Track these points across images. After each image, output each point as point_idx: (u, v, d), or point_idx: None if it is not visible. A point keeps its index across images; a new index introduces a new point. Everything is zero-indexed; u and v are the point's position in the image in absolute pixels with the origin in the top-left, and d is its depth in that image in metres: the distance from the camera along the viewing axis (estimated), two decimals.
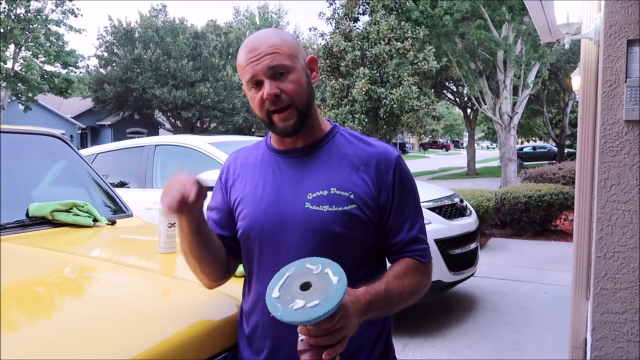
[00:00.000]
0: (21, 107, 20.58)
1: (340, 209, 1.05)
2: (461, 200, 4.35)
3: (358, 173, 1.08)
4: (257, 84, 1.07)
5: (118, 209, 2.56)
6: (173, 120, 26.23)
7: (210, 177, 3.89)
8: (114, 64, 24.54)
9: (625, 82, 1.81)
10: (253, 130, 27.79)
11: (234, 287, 1.41)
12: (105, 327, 1.13)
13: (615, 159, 1.85)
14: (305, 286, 0.88)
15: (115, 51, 24.47)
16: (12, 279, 1.49)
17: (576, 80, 9.48)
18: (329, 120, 1.20)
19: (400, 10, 11.98)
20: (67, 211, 2.18)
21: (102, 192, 2.61)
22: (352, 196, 1.06)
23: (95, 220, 2.25)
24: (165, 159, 4.50)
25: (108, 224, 2.29)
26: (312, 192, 1.07)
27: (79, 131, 28.59)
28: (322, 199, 1.06)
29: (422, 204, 1.19)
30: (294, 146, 1.13)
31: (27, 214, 2.09)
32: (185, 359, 1.10)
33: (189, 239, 1.09)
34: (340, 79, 11.28)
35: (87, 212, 2.25)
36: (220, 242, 1.18)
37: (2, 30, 17.86)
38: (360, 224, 1.06)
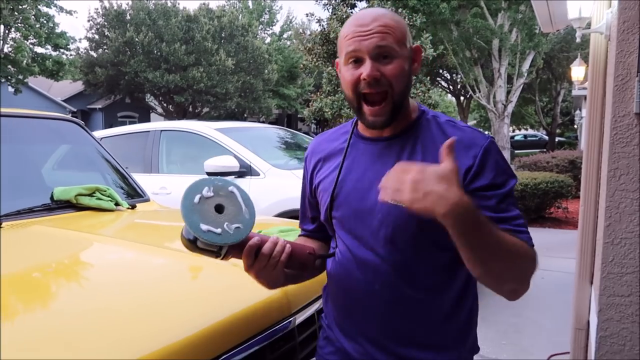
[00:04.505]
0: (11, 89, 20.31)
1: None
2: None
3: (440, 159, 1.03)
4: (357, 60, 1.00)
5: (136, 194, 2.61)
6: (165, 105, 26.00)
7: (217, 162, 3.93)
8: (105, 47, 24.19)
9: (637, 76, 1.88)
10: (245, 115, 27.67)
11: None
12: (156, 306, 1.20)
13: (625, 150, 1.93)
14: (219, 208, 0.96)
15: (106, 34, 24.08)
16: (49, 259, 1.55)
17: (576, 71, 9.59)
18: (418, 104, 1.13)
19: None
20: (90, 195, 2.23)
21: (120, 177, 2.66)
22: None
23: (116, 204, 2.30)
24: (171, 145, 4.53)
25: (128, 208, 2.34)
26: None
27: (69, 114, 28.23)
28: None
29: None
30: (380, 135, 1.08)
31: (51, 198, 2.13)
32: (228, 339, 1.16)
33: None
34: None
35: (109, 196, 2.29)
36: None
37: None
38: None
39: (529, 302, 4.16)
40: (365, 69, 0.98)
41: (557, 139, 24.96)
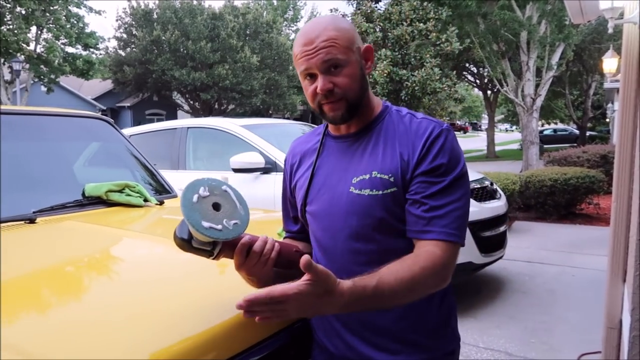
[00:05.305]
0: (44, 88, 20.89)
1: (381, 192, 1.06)
2: (491, 184, 4.38)
3: (399, 152, 1.08)
4: (311, 76, 1.08)
5: (164, 190, 2.66)
6: (191, 102, 26.35)
7: (243, 159, 3.97)
8: (133, 46, 24.67)
9: None
10: (270, 112, 27.82)
11: None
12: (181, 301, 1.22)
13: None
14: (216, 206, 1.00)
15: (134, 33, 24.55)
16: (81, 254, 1.59)
17: (608, 63, 9.31)
18: (383, 102, 1.20)
19: None
20: (120, 191, 2.28)
21: (148, 174, 2.71)
22: (392, 179, 1.06)
23: (145, 200, 2.35)
24: (197, 142, 4.60)
25: (157, 204, 2.38)
26: (357, 177, 1.09)
27: (100, 113, 28.86)
28: (365, 182, 1.08)
29: None
30: (347, 132, 1.17)
31: (83, 194, 2.19)
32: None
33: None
34: None
35: (138, 193, 2.34)
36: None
37: (24, 12, 18.05)
38: (402, 206, 1.06)
39: (559, 300, 4.08)
40: (319, 84, 1.06)
41: (588, 133, 24.30)
